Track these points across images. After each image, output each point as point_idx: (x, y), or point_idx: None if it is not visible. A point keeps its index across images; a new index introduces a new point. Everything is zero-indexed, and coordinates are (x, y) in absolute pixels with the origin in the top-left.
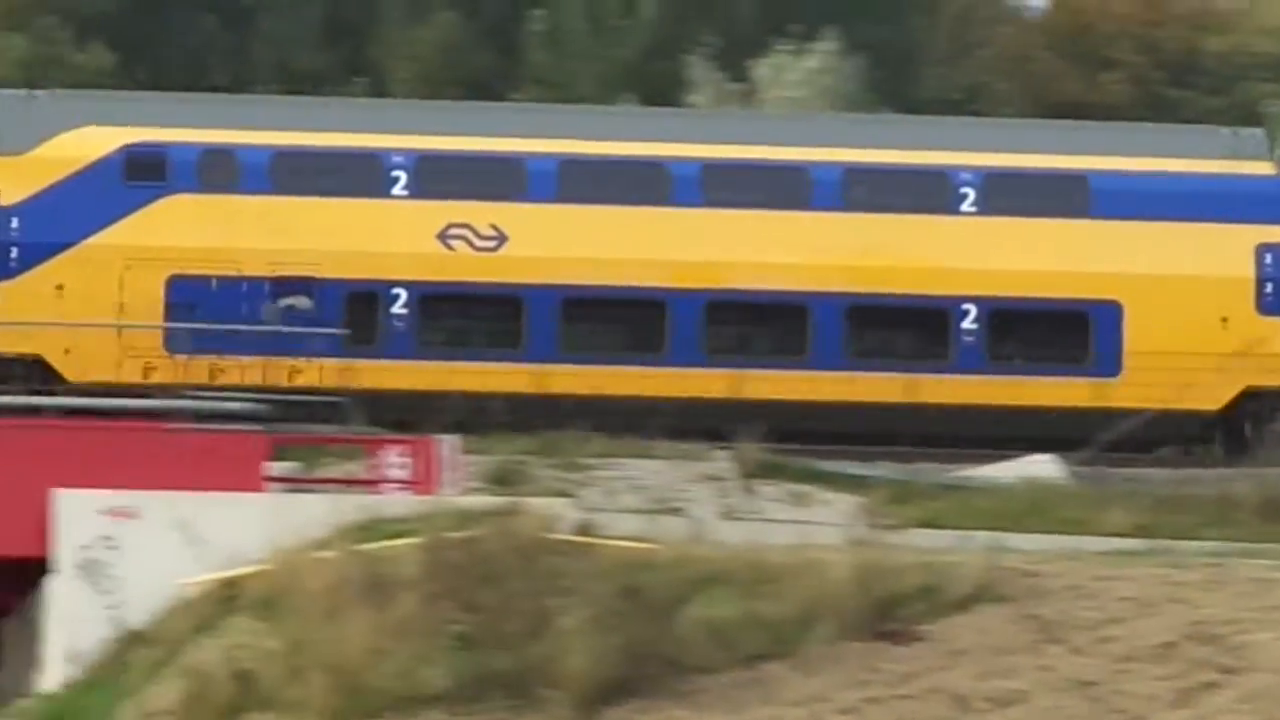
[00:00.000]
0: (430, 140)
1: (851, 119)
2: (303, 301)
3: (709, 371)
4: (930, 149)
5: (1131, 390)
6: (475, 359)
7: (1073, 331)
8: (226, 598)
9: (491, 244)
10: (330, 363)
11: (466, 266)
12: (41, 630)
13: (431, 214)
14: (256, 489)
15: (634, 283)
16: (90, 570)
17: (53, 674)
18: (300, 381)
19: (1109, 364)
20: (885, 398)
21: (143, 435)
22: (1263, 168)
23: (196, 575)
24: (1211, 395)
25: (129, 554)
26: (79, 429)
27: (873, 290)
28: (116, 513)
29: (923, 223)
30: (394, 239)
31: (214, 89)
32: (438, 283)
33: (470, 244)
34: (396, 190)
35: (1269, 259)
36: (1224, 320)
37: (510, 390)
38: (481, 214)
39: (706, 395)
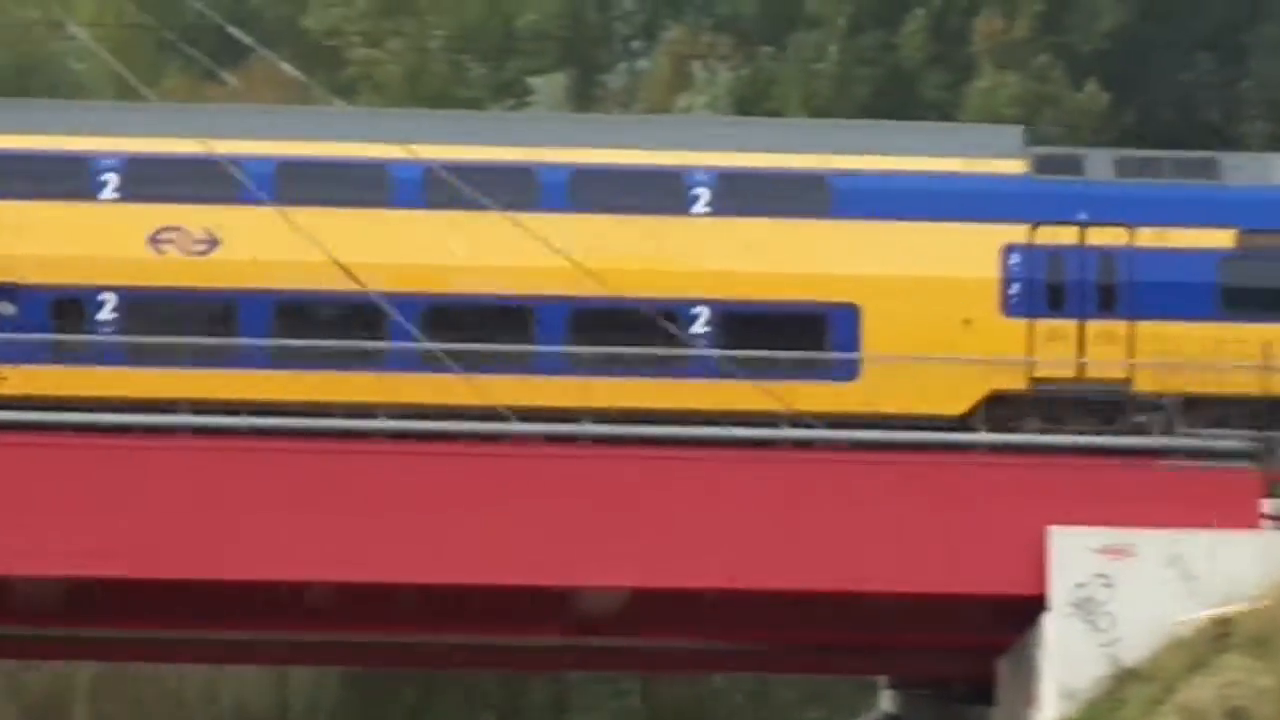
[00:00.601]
0: (140, 142)
1: (582, 119)
2: (6, 307)
3: (430, 377)
4: (664, 149)
5: (870, 395)
6: (186, 366)
7: (809, 335)
8: (1219, 635)
9: (202, 248)
10: (34, 370)
11: (177, 271)
12: (1036, 667)
13: (141, 218)
14: (1252, 526)
15: (353, 287)
16: (1085, 608)
17: (1048, 711)
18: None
19: (846, 368)
20: (616, 403)
21: (1135, 472)
22: (1014, 166)
23: (1190, 613)
24: (955, 399)
25: (1123, 591)
26: (1074, 466)
27: (600, 294)
28: (1110, 550)
29: (654, 224)
30: (102, 243)
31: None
32: (147, 288)
33: (181, 248)
34: (106, 194)
35: (1015, 259)
36: (967, 322)
37: (224, 397)
38: (193, 217)
39: (427, 401)
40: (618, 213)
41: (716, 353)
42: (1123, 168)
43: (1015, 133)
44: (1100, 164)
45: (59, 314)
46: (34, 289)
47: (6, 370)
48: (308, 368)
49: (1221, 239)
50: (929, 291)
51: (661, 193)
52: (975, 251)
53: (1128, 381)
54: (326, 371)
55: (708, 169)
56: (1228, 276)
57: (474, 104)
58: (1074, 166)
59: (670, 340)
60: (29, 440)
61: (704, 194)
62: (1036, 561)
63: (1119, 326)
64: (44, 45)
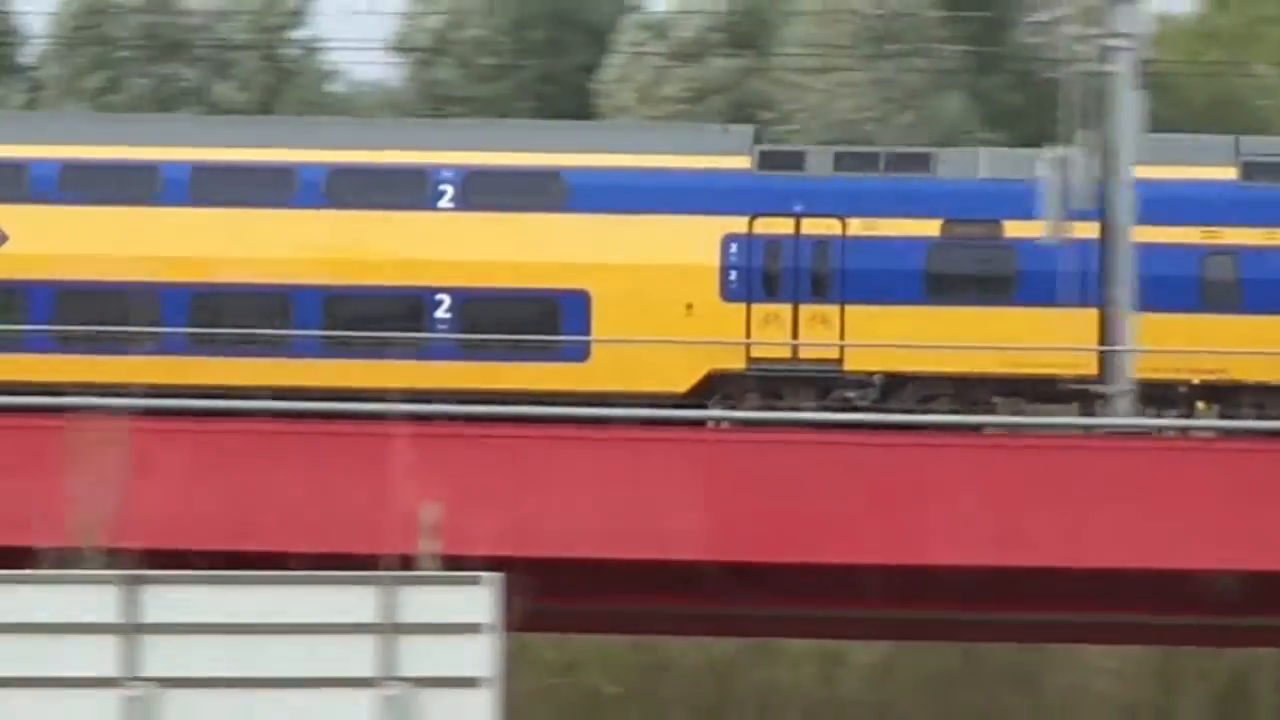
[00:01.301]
0: None
1: (336, 122)
2: None
3: (203, 361)
4: (412, 149)
5: (599, 374)
6: None
7: (544, 319)
8: None
9: None
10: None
11: None
12: None
13: None
14: None
15: (129, 278)
16: None
17: None
18: None
19: (578, 350)
20: (364, 384)
21: None
22: (740, 162)
23: None
24: (678, 378)
25: None
26: None
27: (351, 282)
28: None
29: (402, 218)
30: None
31: None
32: None
33: None
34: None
35: (734, 248)
36: (689, 307)
37: (15, 379)
38: None
39: (195, 383)
40: (369, 208)
41: (455, 336)
42: (840, 163)
43: (745, 132)
44: (820, 160)
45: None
46: None
47: None
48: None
49: (929, 228)
50: (653, 279)
51: (410, 189)
52: (697, 242)
53: (839, 361)
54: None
55: (453, 167)
56: (934, 263)
57: None
58: (795, 162)
59: (418, 326)
60: None
61: (449, 190)
62: None
63: (832, 310)
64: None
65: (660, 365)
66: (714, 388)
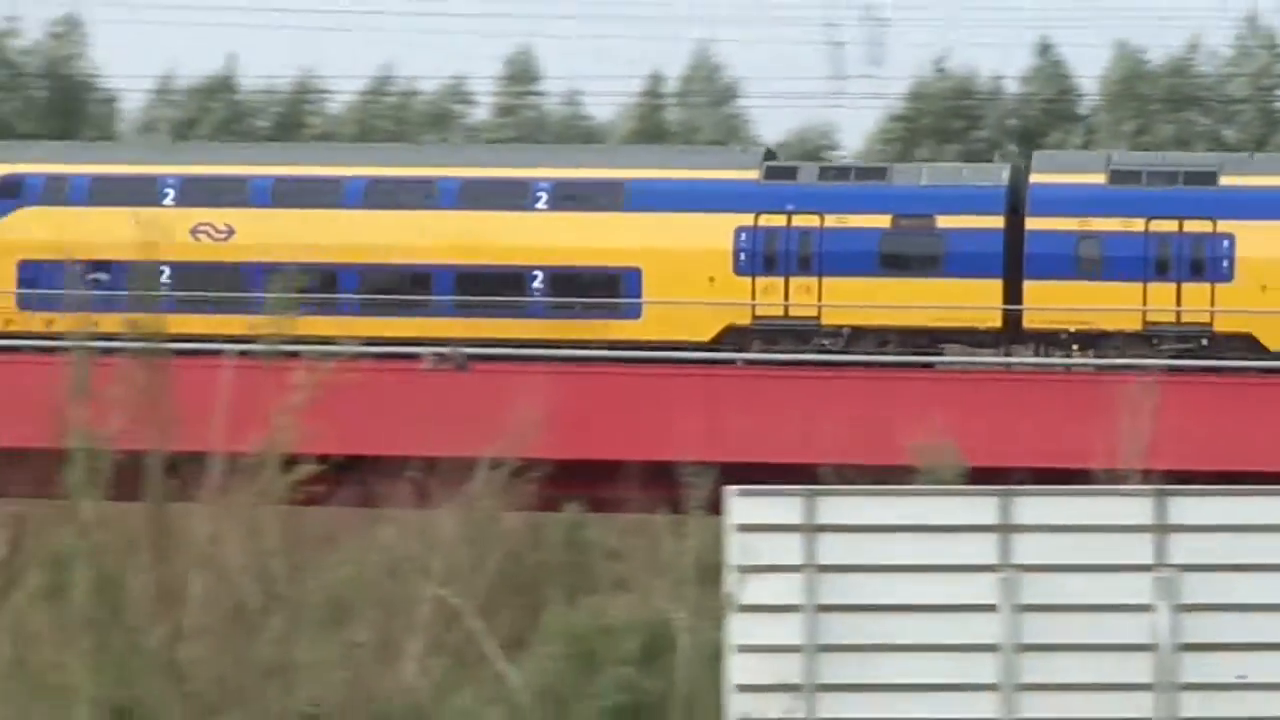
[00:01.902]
0: None
1: (467, 146)
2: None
3: (374, 320)
4: (517, 167)
5: (649, 328)
6: None
7: (610, 288)
8: None
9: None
10: None
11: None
12: None
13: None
14: None
15: (319, 260)
16: None
17: None
18: None
19: (634, 309)
20: (487, 334)
21: None
22: (752, 174)
23: None
24: (704, 330)
25: None
26: None
27: (474, 263)
28: None
29: (511, 217)
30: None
31: None
32: None
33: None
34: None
35: (743, 237)
36: (711, 279)
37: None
38: None
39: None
40: (489, 209)
41: (548, 299)
42: (822, 175)
43: (759, 151)
44: (808, 172)
45: None
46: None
47: None
48: None
49: (883, 221)
50: (686, 259)
51: (515, 195)
52: (718, 232)
53: (818, 318)
54: None
55: (546, 179)
56: (885, 246)
57: None
58: (790, 174)
59: (520, 293)
60: None
61: (544, 195)
62: None
63: (812, 281)
64: None
65: (691, 321)
66: (729, 338)
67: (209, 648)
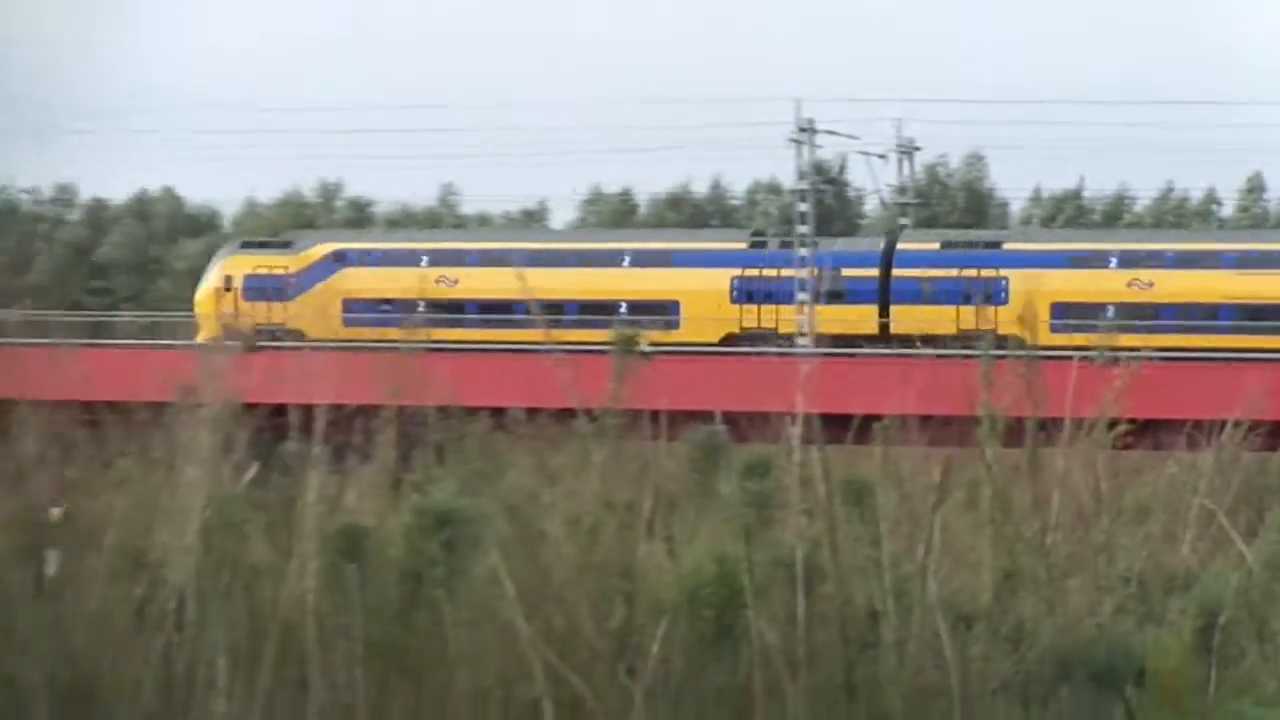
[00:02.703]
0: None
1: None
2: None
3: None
4: (611, 241)
5: (685, 333)
6: None
7: (662, 312)
8: None
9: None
10: None
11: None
12: None
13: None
14: None
15: (507, 297)
16: None
17: None
18: None
19: (676, 324)
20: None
21: None
22: (741, 245)
23: None
24: (714, 336)
25: None
26: None
27: (586, 298)
28: None
29: (605, 271)
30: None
31: None
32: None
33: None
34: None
35: (736, 283)
36: (719, 306)
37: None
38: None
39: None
40: (594, 266)
41: (626, 318)
42: (782, 245)
43: (748, 230)
44: (773, 243)
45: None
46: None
47: None
48: None
49: (814, 272)
50: (706, 294)
51: (610, 258)
52: (722, 280)
53: (775, 328)
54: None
55: (633, 250)
56: (816, 286)
57: None
58: (763, 245)
59: (613, 315)
60: None
61: (627, 258)
62: None
63: (773, 308)
64: None
65: (707, 330)
66: (728, 340)
67: (1065, 534)
